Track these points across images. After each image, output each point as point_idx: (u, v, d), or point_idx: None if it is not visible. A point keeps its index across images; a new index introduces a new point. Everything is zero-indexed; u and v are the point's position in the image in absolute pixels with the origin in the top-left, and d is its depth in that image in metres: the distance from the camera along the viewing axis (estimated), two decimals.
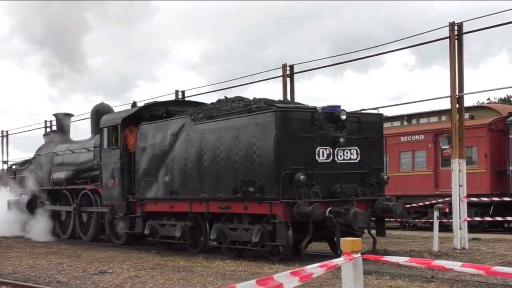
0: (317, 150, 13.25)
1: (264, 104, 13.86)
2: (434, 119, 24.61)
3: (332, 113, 13.46)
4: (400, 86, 78.75)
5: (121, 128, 17.22)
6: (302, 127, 13.13)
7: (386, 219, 23.38)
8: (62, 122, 22.45)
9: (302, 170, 12.92)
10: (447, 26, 15.51)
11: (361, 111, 15.13)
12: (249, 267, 12.50)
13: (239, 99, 15.23)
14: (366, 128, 14.03)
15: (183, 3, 71.66)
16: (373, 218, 14.30)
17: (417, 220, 23.79)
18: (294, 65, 19.93)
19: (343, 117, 13.39)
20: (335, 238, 13.36)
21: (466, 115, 19.64)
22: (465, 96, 15.93)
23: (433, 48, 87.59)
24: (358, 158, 13.81)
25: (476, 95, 62.90)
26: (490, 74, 72.67)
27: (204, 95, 40.58)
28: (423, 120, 25.20)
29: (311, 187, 13.10)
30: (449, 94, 15.71)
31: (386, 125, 26.06)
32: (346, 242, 5.72)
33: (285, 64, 19.87)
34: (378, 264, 11.30)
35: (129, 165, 17.05)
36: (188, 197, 15.09)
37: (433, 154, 23.48)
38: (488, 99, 46.72)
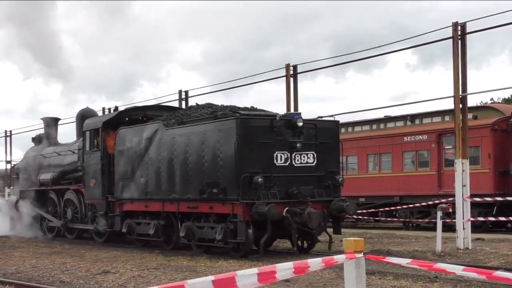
0: (275, 155, 15.98)
1: (229, 112, 16.57)
2: (437, 119, 26.84)
3: (289, 120, 16.24)
4: (403, 86, 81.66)
5: (102, 132, 20.17)
6: (261, 133, 15.84)
7: (389, 219, 26.85)
8: (49, 126, 25.43)
9: (261, 173, 15.62)
10: (450, 26, 17.02)
11: (318, 118, 17.81)
12: (252, 266, 13.05)
13: (209, 105, 18.05)
14: (323, 134, 16.77)
15: (185, 3, 75.25)
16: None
17: (420, 220, 25.89)
18: (298, 65, 22.08)
19: (300, 123, 16.15)
20: (292, 236, 16.21)
21: (469, 115, 21.67)
22: (468, 96, 17.52)
23: (436, 48, 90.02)
24: (315, 162, 16.54)
25: (479, 95, 65.97)
26: (493, 74, 75.03)
27: (207, 95, 43.48)
28: (426, 120, 27.47)
29: (270, 189, 15.79)
30: (452, 94, 17.28)
31: (389, 125, 29.36)
32: (348, 242, 6.01)
33: (289, 64, 21.77)
34: (381, 264, 12.20)
35: (109, 166, 19.90)
36: (161, 197, 17.90)
37: (436, 154, 25.85)
38: (491, 99, 49.58)
